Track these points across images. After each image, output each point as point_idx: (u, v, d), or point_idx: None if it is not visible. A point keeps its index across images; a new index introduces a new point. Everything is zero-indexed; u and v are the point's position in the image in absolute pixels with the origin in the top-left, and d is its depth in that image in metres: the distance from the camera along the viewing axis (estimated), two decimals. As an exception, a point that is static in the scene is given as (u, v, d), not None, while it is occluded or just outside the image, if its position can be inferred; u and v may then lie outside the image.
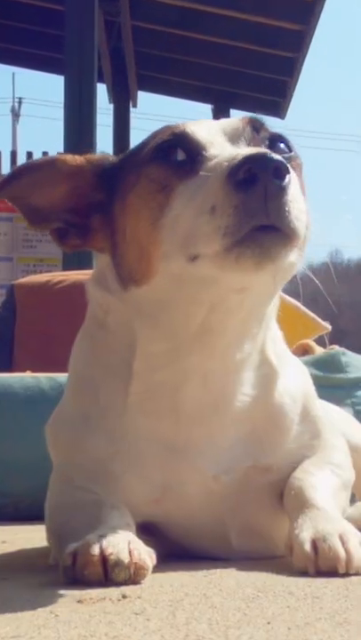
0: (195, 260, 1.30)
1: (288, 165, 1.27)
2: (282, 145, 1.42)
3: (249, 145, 1.37)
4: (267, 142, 1.40)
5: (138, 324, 1.43)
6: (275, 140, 1.41)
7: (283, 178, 1.25)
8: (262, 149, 1.32)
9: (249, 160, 1.25)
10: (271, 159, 1.25)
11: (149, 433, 1.44)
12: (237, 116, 1.46)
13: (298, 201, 1.27)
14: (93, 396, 1.49)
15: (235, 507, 1.48)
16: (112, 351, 1.48)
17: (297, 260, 1.34)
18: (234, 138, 1.38)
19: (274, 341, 1.53)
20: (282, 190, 1.25)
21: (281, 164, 1.25)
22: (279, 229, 1.25)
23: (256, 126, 1.41)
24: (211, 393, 1.43)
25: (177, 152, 1.38)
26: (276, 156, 1.26)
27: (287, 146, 1.43)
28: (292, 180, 1.26)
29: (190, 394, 1.42)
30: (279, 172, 1.25)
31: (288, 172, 1.26)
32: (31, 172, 1.51)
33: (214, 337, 1.39)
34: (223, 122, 1.43)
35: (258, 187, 1.24)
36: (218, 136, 1.38)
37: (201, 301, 1.36)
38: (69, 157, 1.52)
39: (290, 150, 1.42)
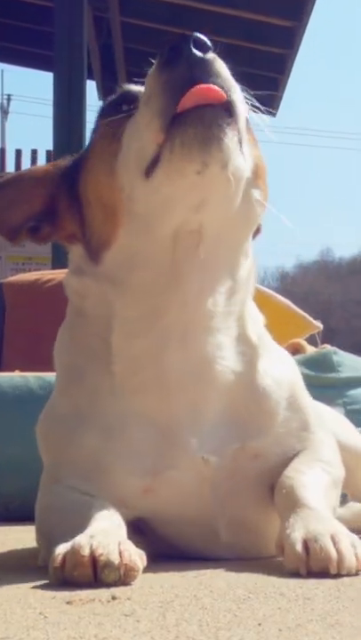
0: (151, 175, 1.34)
1: (210, 43, 1.32)
2: None
3: None
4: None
5: (113, 296, 1.45)
6: None
7: (205, 51, 1.31)
8: None
9: (171, 41, 1.32)
10: (191, 34, 1.31)
11: (137, 413, 1.44)
12: None
13: (231, 79, 1.34)
14: (80, 384, 1.50)
15: (225, 498, 1.48)
16: (91, 335, 1.50)
17: (246, 163, 1.37)
18: None
19: (254, 321, 1.54)
20: (206, 60, 1.31)
21: (202, 39, 1.31)
22: (216, 106, 1.31)
23: None
24: (191, 355, 1.43)
25: (122, 106, 1.46)
26: (198, 34, 1.32)
27: None
28: (218, 59, 1.32)
29: (172, 360, 1.43)
30: (201, 44, 1.31)
31: (210, 49, 1.32)
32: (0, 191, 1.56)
33: (184, 285, 1.41)
34: None
35: (182, 60, 1.31)
36: None
37: (165, 240, 1.38)
38: (37, 167, 1.61)
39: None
